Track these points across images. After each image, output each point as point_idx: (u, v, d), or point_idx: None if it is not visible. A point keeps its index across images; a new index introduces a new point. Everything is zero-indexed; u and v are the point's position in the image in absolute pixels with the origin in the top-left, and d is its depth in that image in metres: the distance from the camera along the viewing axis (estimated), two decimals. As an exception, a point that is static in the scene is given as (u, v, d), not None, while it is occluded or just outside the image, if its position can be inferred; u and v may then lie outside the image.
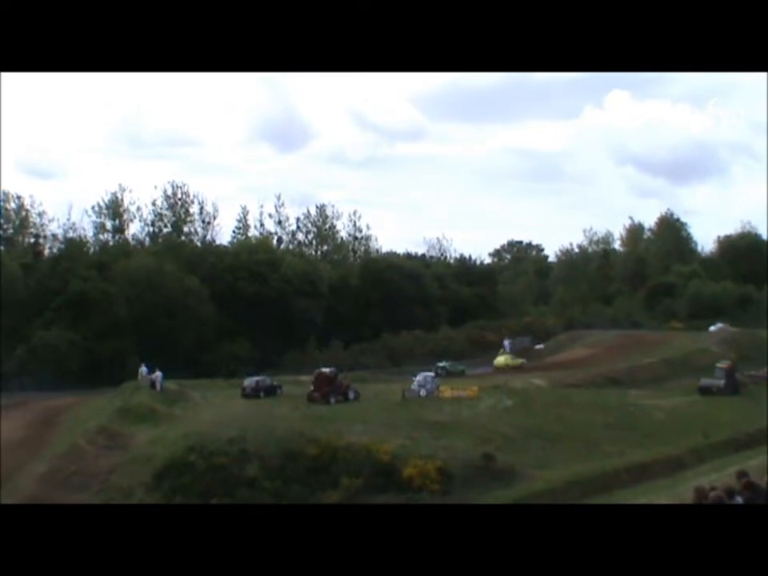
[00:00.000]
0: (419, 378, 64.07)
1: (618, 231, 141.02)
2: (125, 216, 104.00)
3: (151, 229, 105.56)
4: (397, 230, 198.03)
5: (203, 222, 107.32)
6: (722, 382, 67.06)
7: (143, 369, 65.05)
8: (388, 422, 53.06)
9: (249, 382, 64.35)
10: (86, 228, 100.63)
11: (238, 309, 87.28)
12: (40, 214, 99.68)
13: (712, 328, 63.66)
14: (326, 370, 63.64)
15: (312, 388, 61.64)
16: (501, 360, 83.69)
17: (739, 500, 11.99)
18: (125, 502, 43.18)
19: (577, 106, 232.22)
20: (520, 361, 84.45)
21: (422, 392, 62.06)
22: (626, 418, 57.76)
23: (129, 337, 78.74)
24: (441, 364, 78.65)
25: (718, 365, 69.92)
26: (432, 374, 65.84)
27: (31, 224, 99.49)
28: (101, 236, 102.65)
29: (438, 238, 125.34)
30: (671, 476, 45.73)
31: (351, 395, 61.81)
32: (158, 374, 62.76)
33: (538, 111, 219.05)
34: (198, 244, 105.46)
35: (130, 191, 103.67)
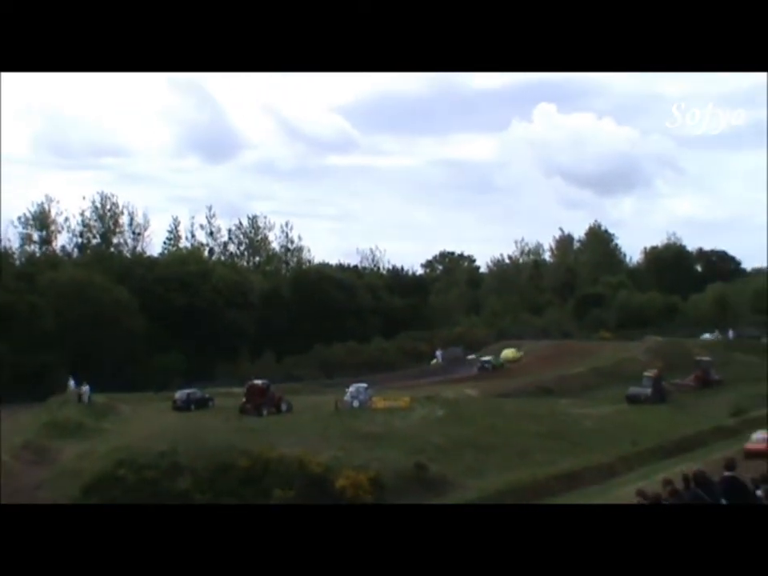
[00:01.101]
0: (352, 389, 64.02)
1: (547, 242, 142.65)
2: (52, 227, 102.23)
3: (79, 240, 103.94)
4: (329, 242, 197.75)
5: (133, 232, 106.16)
6: (649, 391, 68.06)
7: (71, 382, 64.11)
8: (321, 434, 52.92)
9: (180, 394, 63.71)
10: (12, 239, 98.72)
11: (168, 320, 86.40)
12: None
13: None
14: (258, 381, 63.32)
15: (244, 400, 61.28)
16: (508, 353, 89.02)
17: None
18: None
19: (505, 118, 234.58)
20: (521, 354, 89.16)
21: (355, 403, 62.02)
22: (556, 427, 58.24)
23: (56, 349, 77.46)
24: (485, 358, 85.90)
25: (646, 374, 70.93)
26: (365, 385, 65.70)
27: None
28: (27, 247, 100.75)
29: (370, 249, 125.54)
30: (601, 483, 46.19)
31: (284, 407, 61.56)
32: (86, 387, 61.83)
33: (466, 123, 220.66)
34: (128, 255, 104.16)
35: (58, 202, 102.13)
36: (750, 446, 49.41)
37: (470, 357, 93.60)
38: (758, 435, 49.05)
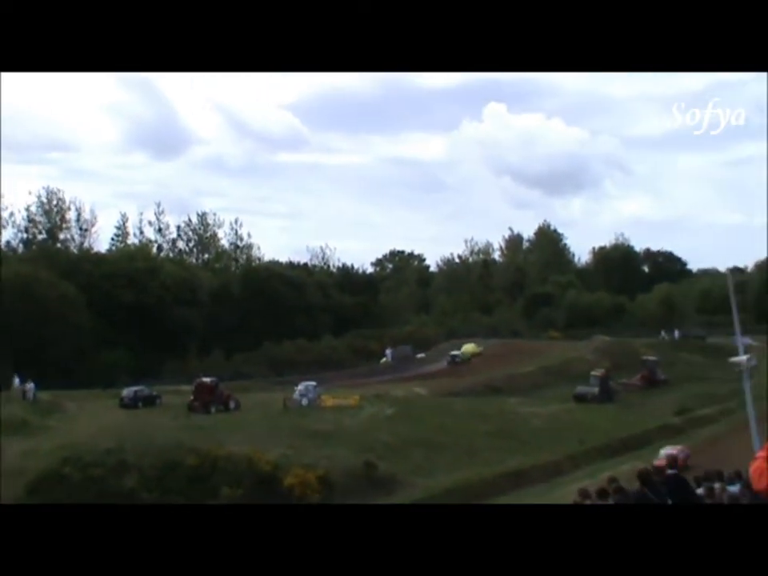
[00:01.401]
0: (301, 387, 63.85)
1: (497, 242, 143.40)
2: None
3: (25, 235, 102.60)
4: (279, 239, 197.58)
5: (80, 228, 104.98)
6: (596, 390, 68.71)
7: (15, 379, 63.24)
8: (269, 432, 52.68)
9: (127, 391, 63.09)
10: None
11: (116, 317, 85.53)
12: None
13: None
14: (206, 379, 62.95)
15: (192, 398, 60.93)
16: (468, 348, 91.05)
17: (611, 500, 12.21)
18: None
19: (455, 117, 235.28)
20: (480, 349, 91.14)
21: (304, 401, 61.88)
22: (505, 426, 58.53)
23: (0, 346, 76.33)
24: (454, 352, 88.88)
25: (593, 373, 71.62)
26: (314, 383, 65.54)
27: None
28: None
29: (321, 247, 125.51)
30: (548, 482, 46.52)
31: (232, 405, 61.26)
32: (30, 384, 60.92)
33: (417, 122, 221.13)
34: (75, 251, 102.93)
35: (3, 196, 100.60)
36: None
37: (419, 355, 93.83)
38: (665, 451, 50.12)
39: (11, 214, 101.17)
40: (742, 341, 38.00)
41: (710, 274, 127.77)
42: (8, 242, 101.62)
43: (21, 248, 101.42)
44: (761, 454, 6.08)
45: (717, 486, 15.73)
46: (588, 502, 12.49)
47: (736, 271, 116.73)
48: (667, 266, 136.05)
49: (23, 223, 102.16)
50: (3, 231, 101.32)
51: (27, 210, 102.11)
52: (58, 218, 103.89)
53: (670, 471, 14.52)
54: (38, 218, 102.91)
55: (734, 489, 15.69)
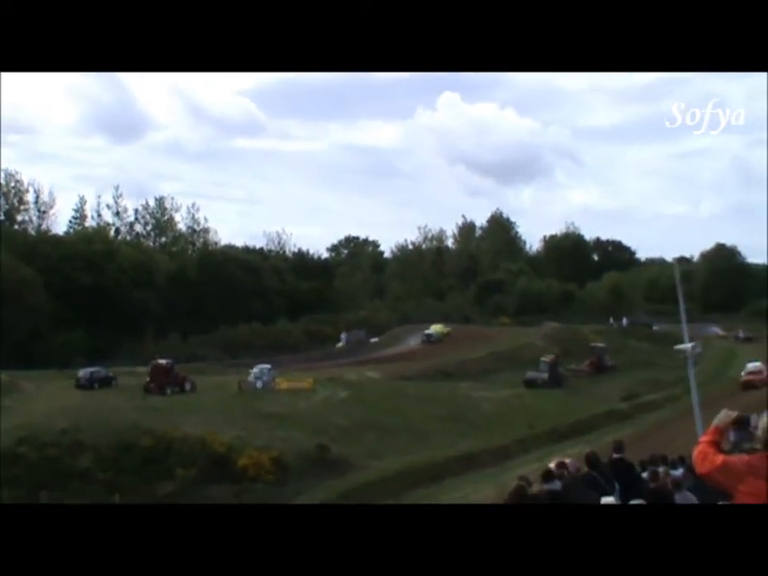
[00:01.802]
0: (256, 370, 63.84)
1: (450, 229, 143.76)
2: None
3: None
4: (235, 224, 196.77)
5: (39, 210, 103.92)
6: (545, 375, 69.26)
7: (-29, 360, 62.67)
8: (224, 414, 52.62)
9: (83, 372, 62.70)
10: None
11: (73, 299, 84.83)
12: None
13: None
14: (162, 361, 62.73)
15: (148, 379, 60.69)
16: (437, 328, 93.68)
17: (558, 483, 12.42)
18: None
19: (410, 106, 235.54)
20: (448, 329, 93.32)
21: (259, 384, 61.87)
22: (456, 410, 58.87)
23: (-42, 326, 75.54)
24: (428, 331, 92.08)
25: (543, 359, 72.18)
26: (268, 366, 65.51)
27: None
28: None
29: (277, 232, 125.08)
30: (497, 465, 46.87)
31: (188, 387, 61.10)
32: (-13, 364, 60.56)
33: (373, 110, 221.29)
34: (33, 233, 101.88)
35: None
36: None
37: (372, 340, 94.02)
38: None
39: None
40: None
41: (657, 264, 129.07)
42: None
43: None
44: (703, 438, 6.24)
45: (660, 469, 15.98)
46: (531, 488, 12.69)
47: (682, 261, 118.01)
48: (616, 255, 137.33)
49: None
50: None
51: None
52: (15, 200, 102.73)
53: (615, 455, 14.77)
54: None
55: (678, 472, 15.96)
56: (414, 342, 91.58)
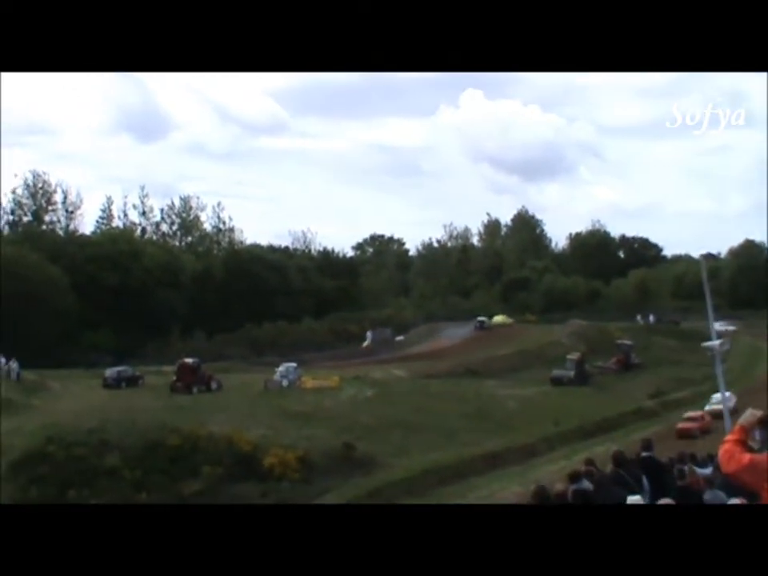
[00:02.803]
0: (281, 368, 63.92)
1: (476, 227, 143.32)
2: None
3: (11, 217, 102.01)
4: (260, 223, 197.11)
5: (66, 210, 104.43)
6: (572, 373, 68.99)
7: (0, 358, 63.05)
8: (250, 413, 52.75)
9: (110, 372, 63.04)
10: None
11: (100, 299, 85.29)
12: None
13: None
14: (188, 360, 62.94)
15: (174, 378, 60.93)
16: (499, 318, 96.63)
17: (586, 484, 12.29)
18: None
19: (433, 103, 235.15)
20: (511, 320, 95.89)
21: (285, 382, 61.97)
22: (482, 408, 58.75)
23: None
24: (480, 318, 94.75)
25: (569, 356, 71.88)
26: (294, 364, 65.57)
27: None
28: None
29: (302, 231, 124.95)
30: (523, 463, 46.78)
31: (214, 385, 61.30)
32: (15, 363, 60.94)
33: (395, 108, 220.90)
34: (61, 233, 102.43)
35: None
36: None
37: (398, 338, 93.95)
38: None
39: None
40: (716, 325, 38.23)
41: (684, 260, 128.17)
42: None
43: (6, 230, 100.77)
44: (730, 437, 6.14)
45: (688, 467, 15.82)
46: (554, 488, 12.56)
47: (709, 257, 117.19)
48: (642, 251, 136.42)
49: (9, 206, 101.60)
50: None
51: (13, 192, 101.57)
52: (44, 201, 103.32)
53: (644, 454, 14.63)
54: (24, 201, 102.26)
55: (706, 471, 15.79)
56: (443, 338, 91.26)
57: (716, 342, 34.66)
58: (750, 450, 6.10)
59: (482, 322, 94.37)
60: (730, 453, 6.04)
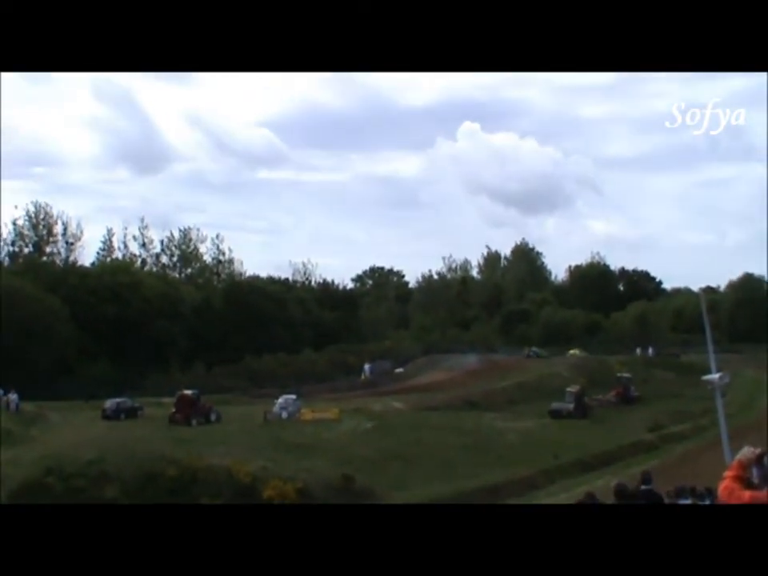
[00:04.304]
0: (281, 400, 63.90)
1: (475, 259, 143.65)
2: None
3: (11, 249, 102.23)
4: (260, 255, 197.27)
5: (66, 242, 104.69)
6: (571, 406, 68.87)
7: (-2, 390, 63.07)
8: (249, 444, 52.65)
9: (110, 403, 63.00)
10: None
11: (99, 330, 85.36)
12: None
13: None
14: (188, 392, 62.92)
15: (174, 410, 60.87)
16: (574, 352, 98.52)
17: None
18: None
19: (430, 136, 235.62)
20: (584, 354, 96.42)
21: (284, 414, 61.92)
22: (481, 440, 58.62)
23: (-16, 357, 76.03)
24: (534, 349, 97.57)
25: (568, 389, 71.78)
26: (294, 396, 65.57)
27: None
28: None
29: (303, 263, 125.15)
30: (523, 496, 46.59)
31: (213, 417, 61.25)
32: (14, 395, 60.95)
33: (393, 141, 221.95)
34: (61, 264, 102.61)
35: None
36: None
37: (397, 370, 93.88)
38: None
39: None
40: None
41: (683, 294, 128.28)
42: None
43: (6, 261, 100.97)
44: (728, 473, 6.22)
45: (689, 501, 15.90)
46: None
47: (709, 290, 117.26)
48: (642, 284, 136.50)
49: (10, 237, 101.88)
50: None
51: (14, 223, 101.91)
52: (45, 232, 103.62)
53: (644, 487, 14.71)
54: (25, 232, 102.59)
55: (705, 504, 15.87)
56: (438, 372, 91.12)
57: (716, 376, 34.64)
58: (750, 485, 6.20)
59: (535, 353, 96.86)
60: (729, 489, 6.13)
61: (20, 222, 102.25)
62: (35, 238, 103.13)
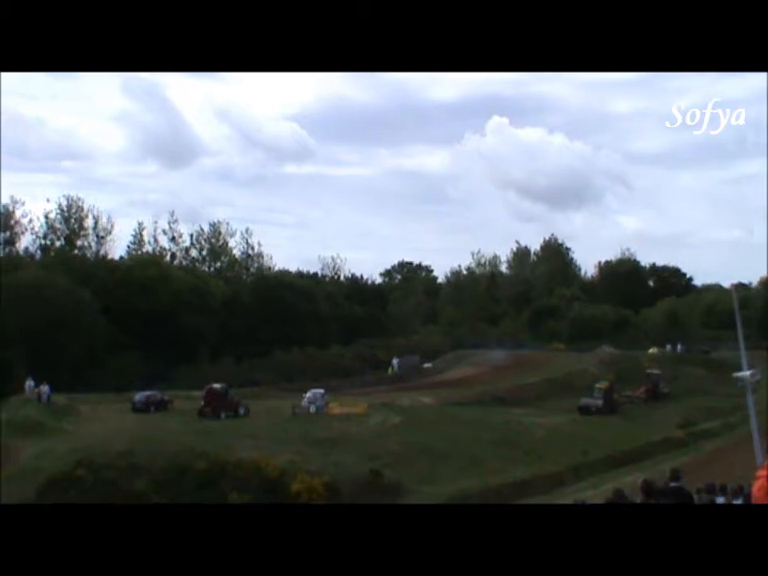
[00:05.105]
0: (309, 394, 64.00)
1: (504, 254, 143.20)
2: (16, 228, 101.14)
3: (43, 242, 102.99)
4: (289, 249, 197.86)
5: (97, 236, 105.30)
6: (600, 402, 68.61)
7: (29, 382, 63.56)
8: (277, 438, 52.87)
9: (139, 396, 63.40)
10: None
11: (129, 323, 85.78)
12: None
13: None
14: (216, 385, 63.18)
15: (203, 403, 61.14)
16: (653, 351, 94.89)
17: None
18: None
19: (458, 131, 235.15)
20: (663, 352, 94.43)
21: (312, 408, 62.02)
22: (509, 436, 58.53)
23: (16, 349, 76.62)
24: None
25: (597, 385, 71.51)
26: (322, 390, 65.68)
27: None
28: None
29: (332, 257, 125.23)
30: (551, 492, 46.54)
31: (241, 411, 61.49)
32: (45, 387, 61.49)
33: (421, 135, 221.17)
34: (91, 258, 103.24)
35: (23, 204, 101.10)
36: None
37: (426, 365, 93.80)
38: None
39: (30, 221, 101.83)
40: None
41: (713, 290, 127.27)
42: (26, 249, 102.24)
43: (38, 254, 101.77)
44: (761, 473, 6.19)
45: (720, 499, 15.80)
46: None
47: (740, 286, 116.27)
48: (672, 280, 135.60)
49: (42, 230, 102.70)
50: (22, 238, 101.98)
51: (46, 217, 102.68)
52: (76, 225, 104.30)
53: (672, 484, 14.64)
54: (57, 225, 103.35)
55: (737, 502, 15.76)
56: (466, 367, 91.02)
57: (747, 372, 34.49)
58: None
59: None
60: (765, 489, 6.10)
61: (52, 216, 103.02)
62: (67, 232, 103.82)
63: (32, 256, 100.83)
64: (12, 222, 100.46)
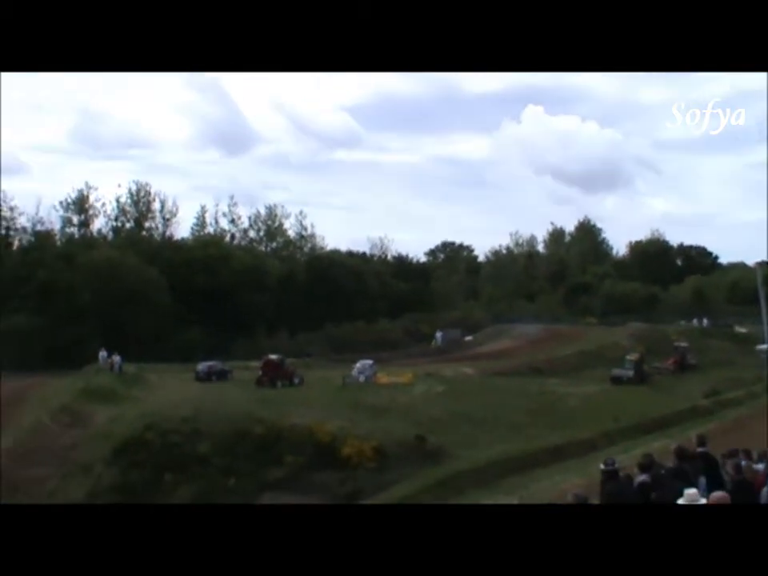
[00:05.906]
0: (358, 365, 64.16)
1: (540, 235, 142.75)
2: (90, 212, 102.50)
3: (114, 224, 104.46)
4: (339, 230, 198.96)
5: (163, 218, 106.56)
6: (631, 373, 68.12)
7: (103, 353, 64.37)
8: (329, 406, 53.03)
9: (202, 366, 63.93)
10: (54, 222, 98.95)
11: (192, 299, 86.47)
12: (11, 208, 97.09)
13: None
14: (273, 356, 63.51)
15: (260, 373, 61.50)
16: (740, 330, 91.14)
17: (644, 477, 12.23)
18: (84, 476, 42.85)
19: (496, 119, 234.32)
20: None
21: (361, 378, 62.18)
22: (545, 404, 58.30)
23: (91, 323, 77.70)
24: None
25: (628, 357, 70.98)
26: (370, 361, 65.78)
27: (2, 217, 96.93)
28: (67, 230, 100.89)
29: (379, 238, 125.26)
30: (584, 456, 46.23)
31: (296, 380, 61.77)
32: (117, 357, 62.28)
33: (462, 124, 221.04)
34: (158, 239, 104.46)
35: (96, 189, 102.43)
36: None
37: (467, 338, 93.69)
38: None
39: (103, 205, 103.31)
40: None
41: (738, 268, 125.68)
42: (99, 230, 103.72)
43: (110, 235, 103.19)
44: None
45: (744, 463, 15.59)
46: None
47: (764, 264, 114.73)
48: (699, 259, 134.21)
49: (113, 213, 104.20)
50: (95, 220, 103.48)
51: (118, 201, 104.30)
52: (144, 209, 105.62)
53: (698, 449, 14.52)
54: (127, 208, 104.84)
55: (761, 467, 15.57)
56: (505, 340, 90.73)
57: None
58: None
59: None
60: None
61: (122, 200, 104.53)
62: (136, 214, 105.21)
63: (104, 237, 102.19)
64: (86, 205, 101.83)
